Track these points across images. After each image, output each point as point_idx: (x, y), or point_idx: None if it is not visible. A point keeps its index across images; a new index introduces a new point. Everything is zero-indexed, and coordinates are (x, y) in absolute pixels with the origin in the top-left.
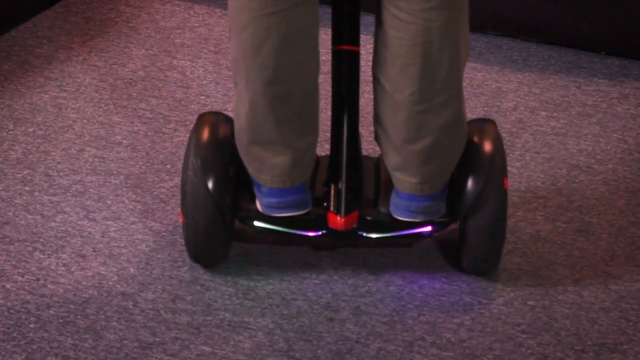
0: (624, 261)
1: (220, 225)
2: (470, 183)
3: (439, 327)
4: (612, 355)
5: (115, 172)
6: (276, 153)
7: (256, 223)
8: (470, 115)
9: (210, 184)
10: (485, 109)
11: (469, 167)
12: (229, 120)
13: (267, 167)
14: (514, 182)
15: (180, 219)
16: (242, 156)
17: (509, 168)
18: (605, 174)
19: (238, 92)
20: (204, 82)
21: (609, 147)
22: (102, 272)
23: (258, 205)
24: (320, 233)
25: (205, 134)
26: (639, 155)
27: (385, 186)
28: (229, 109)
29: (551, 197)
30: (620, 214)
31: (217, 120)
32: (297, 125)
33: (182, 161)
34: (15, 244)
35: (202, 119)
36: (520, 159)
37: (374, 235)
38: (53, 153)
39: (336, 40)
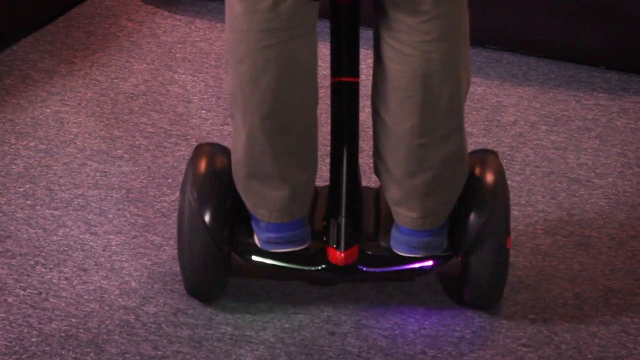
0: (624, 275)
1: (217, 259)
2: (472, 217)
3: (440, 340)
4: None
5: (117, 186)
6: (274, 187)
7: (254, 258)
8: (470, 129)
9: (206, 218)
10: (486, 123)
11: (471, 200)
12: (226, 152)
13: (265, 201)
14: (514, 196)
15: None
16: (240, 190)
17: (509, 182)
18: (605, 187)
19: (235, 125)
20: (205, 96)
21: (608, 161)
22: (103, 286)
23: (256, 240)
24: (319, 268)
25: (202, 166)
26: (638, 169)
27: (385, 219)
28: (230, 123)
29: (551, 211)
30: (620, 228)
31: (214, 152)
32: (295, 159)
33: (183, 175)
34: (17, 257)
35: (198, 150)
36: (521, 173)
37: (374, 270)
38: (55, 167)
39: (335, 71)
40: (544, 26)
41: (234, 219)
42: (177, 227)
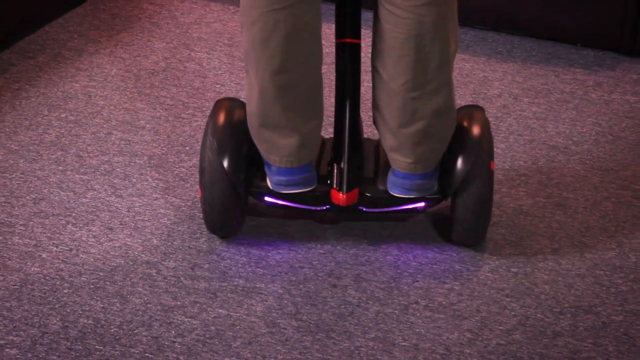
0: (598, 232)
1: (234, 200)
2: (459, 163)
3: (431, 292)
4: (587, 316)
5: (140, 153)
6: (284, 136)
7: (267, 198)
8: (459, 101)
9: (225, 163)
10: (473, 95)
11: (459, 148)
12: (243, 106)
13: (275, 148)
14: (499, 161)
15: (199, 194)
16: (254, 138)
17: (494, 149)
18: (581, 154)
19: (249, 81)
20: (219, 72)
21: (584, 130)
22: (128, 243)
23: (268, 183)
24: (324, 208)
25: (221, 118)
26: (611, 137)
27: (383, 166)
28: (242, 96)
29: (532, 175)
30: (595, 190)
31: (232, 105)
32: (302, 111)
33: (200, 143)
34: (50, 217)
35: (218, 104)
36: (505, 141)
37: (373, 210)
38: (83, 136)
39: (339, 33)
40: (526, 7)
41: (250, 164)
42: (199, 171)
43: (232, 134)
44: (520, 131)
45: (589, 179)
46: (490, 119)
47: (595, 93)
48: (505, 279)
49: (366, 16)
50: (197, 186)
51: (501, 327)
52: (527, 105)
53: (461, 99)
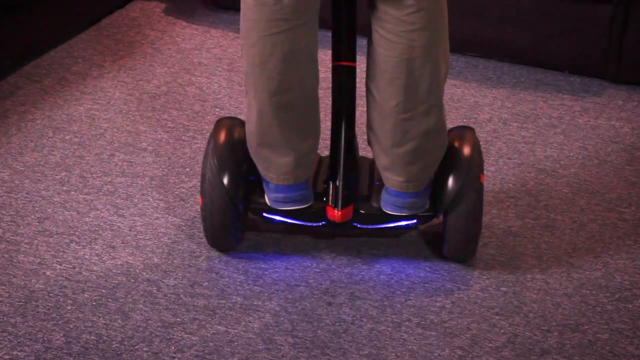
0: (585, 253)
1: (234, 215)
2: (450, 182)
3: (423, 309)
4: (574, 334)
5: (141, 174)
6: (281, 154)
7: (265, 214)
8: (450, 125)
9: (225, 180)
10: (464, 120)
11: (450, 168)
12: (243, 125)
13: (273, 166)
14: (489, 184)
15: (199, 201)
16: (252, 157)
17: (485, 172)
18: (569, 177)
19: (248, 101)
20: (219, 96)
21: (571, 154)
22: (129, 261)
23: (266, 199)
24: (320, 224)
25: (222, 136)
26: (597, 160)
27: (377, 184)
28: (241, 118)
29: (521, 197)
30: (581, 212)
31: (232, 124)
32: (299, 130)
33: (200, 165)
34: (54, 236)
35: (219, 123)
36: (495, 164)
37: (366, 227)
38: (87, 157)
39: (335, 57)
40: (516, 36)
41: (249, 181)
42: (200, 187)
43: (232, 153)
44: (509, 155)
45: (575, 202)
46: (480, 142)
47: (581, 118)
48: (495, 298)
49: (361, 43)
50: (197, 206)
51: (491, 345)
52: (516, 129)
53: (453, 123)
